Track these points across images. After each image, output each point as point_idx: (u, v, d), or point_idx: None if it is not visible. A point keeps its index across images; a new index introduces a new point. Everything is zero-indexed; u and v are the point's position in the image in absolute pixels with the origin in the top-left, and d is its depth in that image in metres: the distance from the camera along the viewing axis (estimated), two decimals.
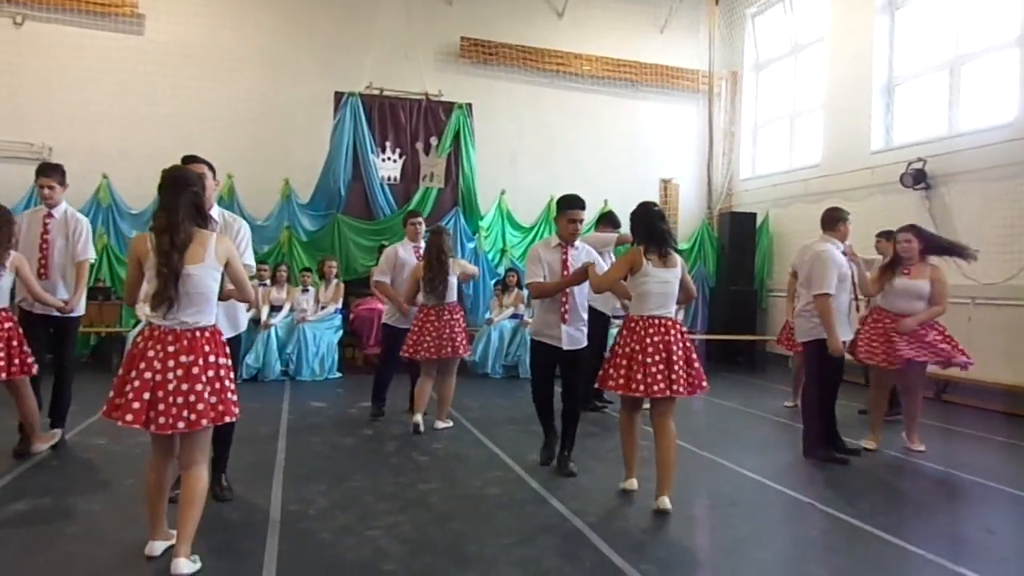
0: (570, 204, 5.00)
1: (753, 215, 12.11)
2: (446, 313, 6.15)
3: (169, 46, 10.43)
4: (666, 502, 4.20)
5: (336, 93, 10.36)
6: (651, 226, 4.43)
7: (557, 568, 3.41)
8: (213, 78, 10.58)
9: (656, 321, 4.31)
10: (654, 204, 4.67)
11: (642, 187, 12.44)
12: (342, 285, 9.41)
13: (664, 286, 4.34)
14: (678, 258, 4.47)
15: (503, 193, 11.33)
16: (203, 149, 10.77)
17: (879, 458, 5.82)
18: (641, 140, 12.60)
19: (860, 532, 4.03)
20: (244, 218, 10.45)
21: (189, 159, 4.04)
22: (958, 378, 8.23)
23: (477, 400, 7.61)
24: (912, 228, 6.19)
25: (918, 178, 8.94)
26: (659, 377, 4.18)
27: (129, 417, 3.08)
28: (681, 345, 4.30)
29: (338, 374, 8.95)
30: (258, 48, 10.88)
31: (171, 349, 3.20)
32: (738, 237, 11.88)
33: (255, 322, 8.74)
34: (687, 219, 12.82)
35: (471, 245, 10.67)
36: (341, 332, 9.26)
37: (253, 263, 4.20)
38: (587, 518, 4.07)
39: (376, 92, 10.72)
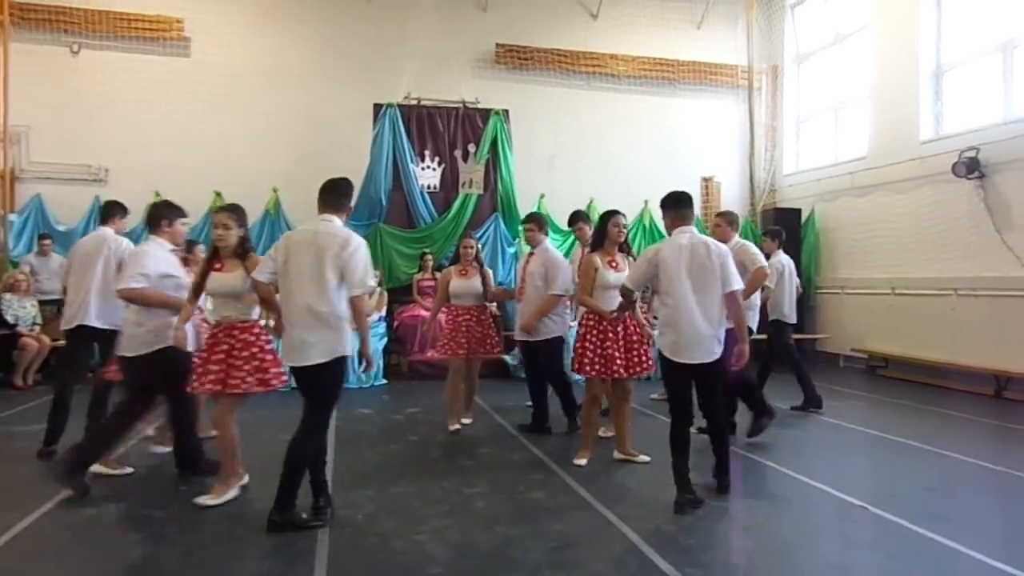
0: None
1: (798, 211, 11.89)
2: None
3: (214, 66, 10.75)
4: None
5: (375, 105, 10.53)
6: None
7: (602, 573, 3.42)
8: (256, 95, 10.87)
9: None
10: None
11: (682, 186, 11.97)
12: (385, 293, 9.55)
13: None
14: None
15: (542, 197, 11.35)
16: (248, 165, 11.25)
17: (934, 461, 5.66)
18: (680, 139, 12.49)
19: (910, 534, 3.94)
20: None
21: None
22: (1021, 374, 7.98)
23: (519, 403, 7.61)
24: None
25: (971, 167, 8.68)
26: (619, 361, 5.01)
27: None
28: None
29: (383, 381, 9.08)
30: (299, 64, 11.13)
31: None
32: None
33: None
34: None
35: (511, 250, 10.70)
36: (386, 339, 9.38)
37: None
38: (632, 522, 4.06)
39: (414, 102, 10.86)
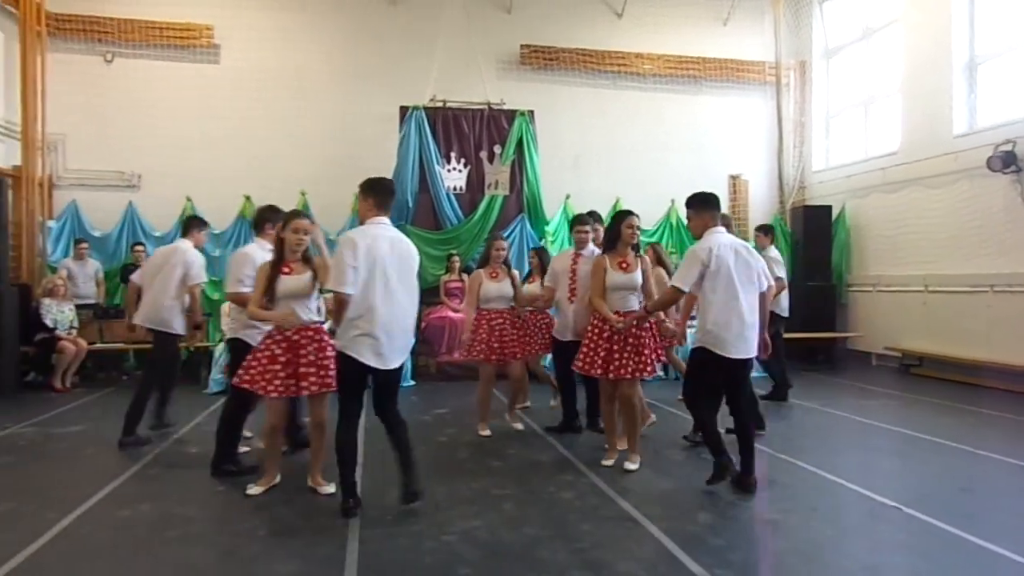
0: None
1: (828, 208, 11.74)
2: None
3: (243, 72, 10.93)
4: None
5: (401, 107, 10.61)
6: None
7: (631, 574, 3.41)
8: (284, 100, 11.02)
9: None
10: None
11: (709, 184, 11.95)
12: None
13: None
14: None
15: (568, 197, 11.34)
16: (277, 169, 11.40)
17: (969, 461, 5.56)
18: (707, 137, 12.40)
19: (945, 535, 3.88)
20: None
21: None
22: None
23: (544, 404, 7.61)
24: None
25: (1007, 161, 8.51)
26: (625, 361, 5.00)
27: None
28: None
29: (411, 382, 9.14)
30: (326, 69, 11.26)
31: None
32: (813, 231, 11.54)
33: (331, 333, 8.99)
34: (758, 215, 12.53)
35: None
36: (413, 341, 9.41)
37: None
38: (660, 523, 4.05)
39: (440, 104, 10.91)
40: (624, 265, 5.24)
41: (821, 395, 8.35)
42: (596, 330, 5.19)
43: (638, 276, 5.24)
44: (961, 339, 9.30)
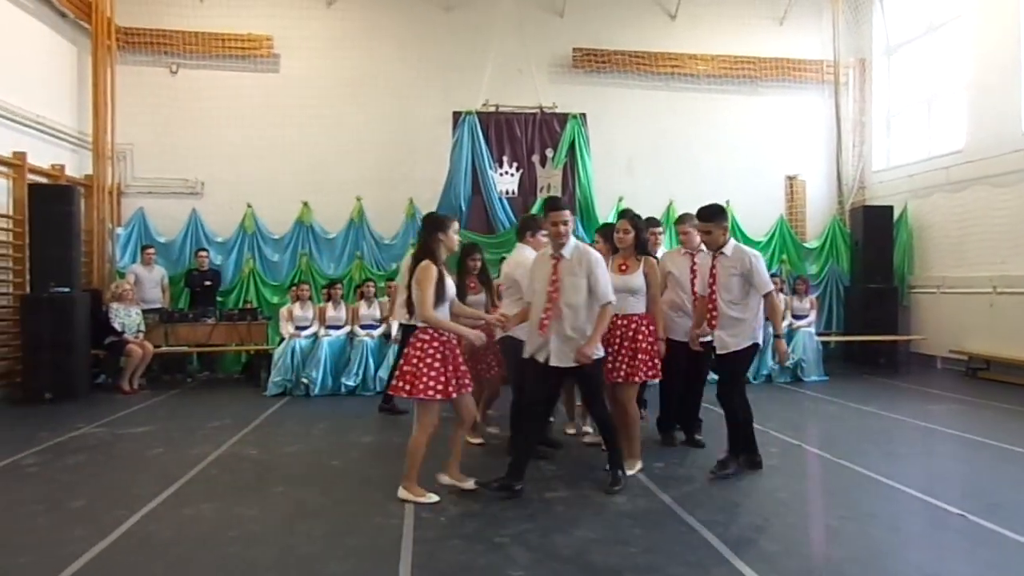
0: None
1: (889, 208, 11.40)
2: None
3: (301, 80, 11.22)
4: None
5: (454, 113, 10.73)
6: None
7: None
8: (341, 107, 11.26)
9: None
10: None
11: (766, 185, 12.11)
12: None
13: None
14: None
15: (621, 200, 11.29)
16: (334, 175, 11.66)
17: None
18: (763, 137, 12.20)
19: (1014, 545, 3.74)
20: (372, 237, 11.07)
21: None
22: None
23: None
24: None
25: None
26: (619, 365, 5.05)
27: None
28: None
29: None
30: (381, 76, 11.45)
31: None
32: (874, 232, 11.23)
33: (386, 337, 9.17)
34: (816, 216, 12.29)
35: None
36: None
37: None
38: (714, 528, 4.01)
39: (492, 109, 11.01)
40: (623, 267, 5.22)
41: (882, 399, 8.12)
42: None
43: (635, 279, 5.18)
44: None
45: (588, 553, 3.71)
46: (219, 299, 10.41)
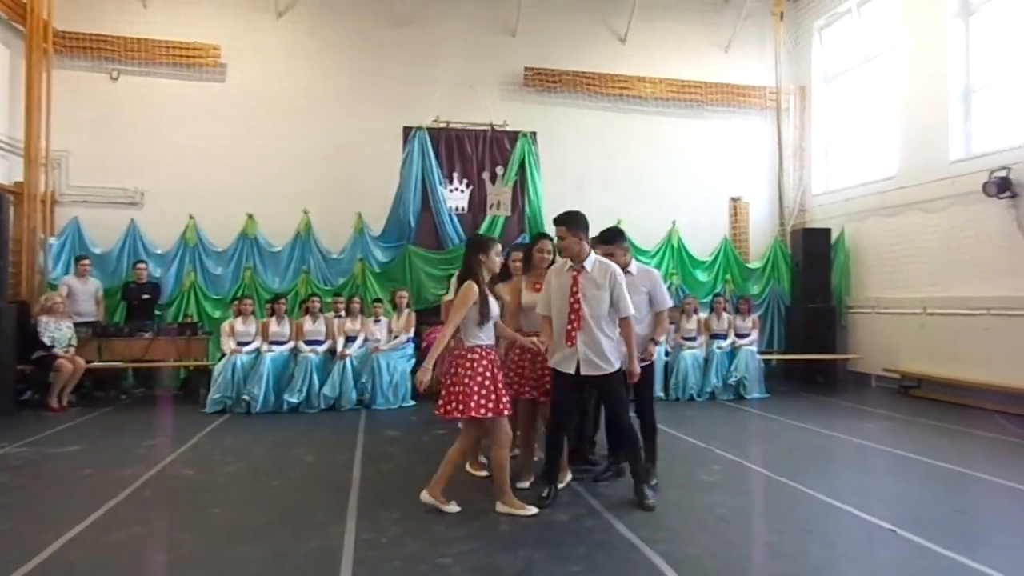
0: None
1: (828, 231, 11.79)
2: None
3: (249, 91, 11.06)
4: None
5: (404, 128, 10.71)
6: None
7: None
8: (289, 119, 11.13)
9: None
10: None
11: (711, 206, 12.39)
12: (413, 314, 9.62)
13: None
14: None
15: None
16: (280, 187, 11.48)
17: (966, 483, 5.55)
18: (708, 159, 12.50)
19: (939, 559, 3.86)
20: (319, 251, 10.92)
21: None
22: None
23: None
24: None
25: (1003, 187, 8.56)
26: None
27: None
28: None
29: (411, 402, 9.13)
30: (330, 89, 11.37)
31: None
32: (813, 254, 11.58)
33: (331, 353, 9.04)
34: (759, 237, 12.61)
35: None
36: (413, 361, 9.45)
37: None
38: (658, 547, 4.04)
39: (443, 125, 11.01)
40: (538, 287, 5.24)
41: (820, 416, 8.33)
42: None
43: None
44: (959, 361, 9.31)
45: (532, 572, 3.69)
46: (157, 313, 10.10)
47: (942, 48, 9.80)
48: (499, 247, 4.85)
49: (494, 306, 4.72)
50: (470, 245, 4.89)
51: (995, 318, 8.87)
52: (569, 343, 4.75)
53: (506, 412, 4.61)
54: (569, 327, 4.75)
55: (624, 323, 4.80)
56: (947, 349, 9.53)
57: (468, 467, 5.71)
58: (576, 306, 4.75)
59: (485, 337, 4.66)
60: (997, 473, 5.64)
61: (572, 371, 4.78)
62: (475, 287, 4.60)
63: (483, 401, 4.52)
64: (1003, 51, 9.21)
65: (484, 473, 5.70)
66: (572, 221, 4.82)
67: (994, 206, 8.75)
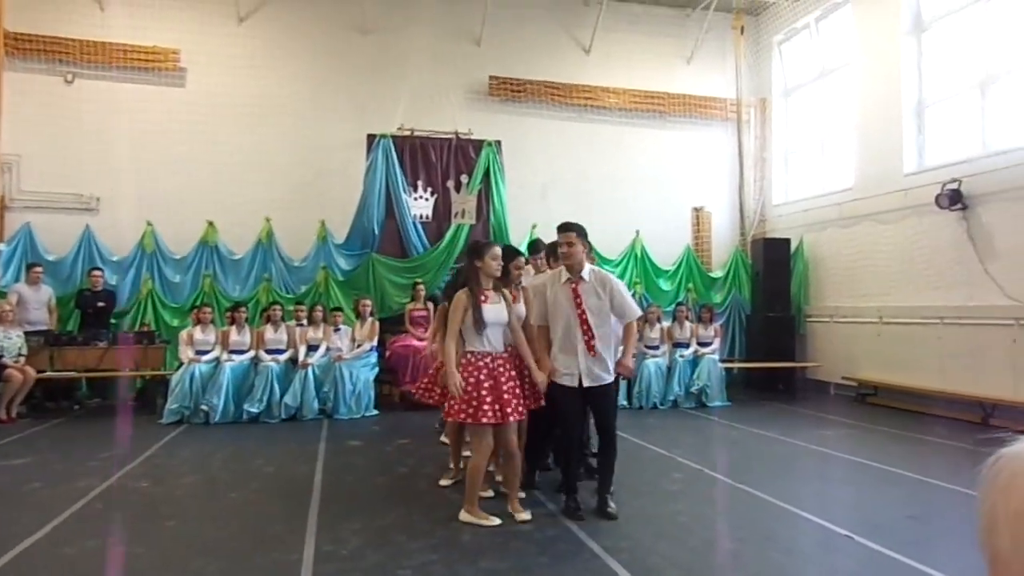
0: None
1: (787, 240, 12.00)
2: None
3: (209, 96, 10.86)
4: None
5: (369, 135, 10.64)
6: None
7: None
8: (251, 125, 10.97)
9: None
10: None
11: (674, 216, 12.53)
12: (377, 323, 9.55)
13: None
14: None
15: (534, 227, 11.40)
16: (241, 194, 11.32)
17: (919, 489, 5.67)
18: (671, 169, 12.64)
19: (893, 563, 3.94)
20: (281, 259, 10.77)
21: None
22: (1006, 401, 8.03)
23: None
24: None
25: (954, 199, 8.80)
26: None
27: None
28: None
29: (374, 411, 9.05)
30: (293, 95, 11.25)
31: None
32: (773, 263, 11.77)
33: (293, 362, 8.93)
34: (720, 246, 12.78)
35: None
36: (377, 369, 9.38)
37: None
38: (621, 556, 4.05)
39: (407, 133, 10.97)
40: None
41: (780, 424, 8.45)
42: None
43: (520, 309, 5.22)
44: (913, 369, 9.53)
45: None
46: (113, 321, 9.86)
47: (896, 64, 10.06)
48: (496, 250, 4.79)
49: (490, 312, 4.65)
50: (467, 252, 4.98)
51: (947, 327, 9.10)
52: (592, 353, 4.77)
53: (484, 420, 4.54)
54: (586, 338, 4.77)
55: (629, 325, 4.90)
56: (902, 357, 9.75)
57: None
58: (584, 316, 4.79)
59: (480, 344, 4.65)
60: (947, 479, 5.77)
61: (576, 384, 4.79)
62: (463, 296, 4.63)
63: (464, 406, 4.55)
64: (954, 68, 9.49)
65: (447, 482, 5.67)
66: (581, 230, 4.90)
67: (946, 218, 9.00)
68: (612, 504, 4.87)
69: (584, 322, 4.78)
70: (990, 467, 0.80)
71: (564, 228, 4.93)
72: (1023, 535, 0.75)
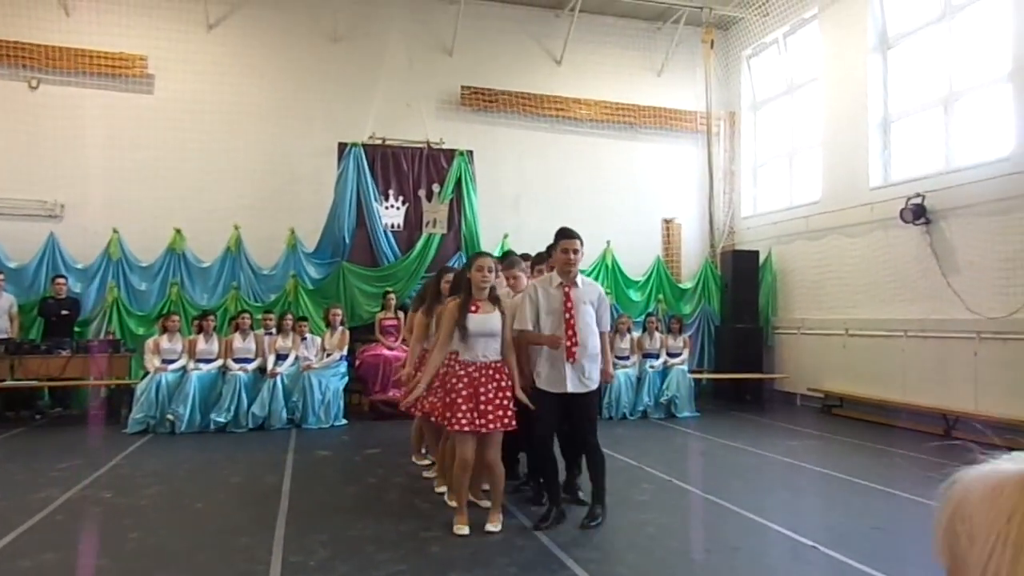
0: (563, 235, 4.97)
1: (756, 253, 12.17)
2: None
3: (177, 103, 10.74)
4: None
5: (340, 144, 10.60)
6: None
7: None
8: (220, 132, 10.85)
9: None
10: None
11: (644, 227, 12.63)
12: (347, 332, 9.48)
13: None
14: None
15: (506, 236, 11.45)
16: (210, 202, 11.20)
17: (883, 500, 5.77)
18: (642, 181, 12.76)
19: (857, 574, 4.00)
20: (250, 267, 10.65)
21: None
22: (968, 414, 8.19)
23: None
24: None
25: (918, 213, 8.99)
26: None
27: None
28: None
29: (343, 421, 8.97)
30: (263, 103, 11.17)
31: None
32: (741, 275, 11.93)
33: (261, 371, 8.83)
34: (690, 258, 12.91)
35: None
36: (346, 379, 9.31)
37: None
38: (591, 567, 4.06)
39: (379, 142, 10.95)
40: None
41: (748, 435, 8.54)
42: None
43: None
44: (878, 381, 9.70)
45: None
46: (77, 330, 9.67)
47: (862, 80, 10.29)
48: (482, 261, 4.76)
49: (475, 322, 4.60)
50: (467, 263, 5.13)
51: (911, 340, 9.29)
52: (571, 359, 4.73)
53: (457, 428, 4.49)
54: (568, 344, 4.75)
55: (603, 335, 5.01)
56: (868, 369, 9.92)
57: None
58: (572, 322, 4.78)
59: (464, 352, 4.66)
60: (910, 490, 5.86)
61: (563, 391, 4.76)
62: (450, 305, 4.78)
63: (442, 408, 4.69)
64: (918, 85, 9.73)
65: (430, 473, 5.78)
66: (580, 238, 4.98)
67: (910, 231, 9.19)
68: (599, 514, 4.85)
69: (571, 327, 4.80)
70: (947, 487, 0.82)
71: (570, 235, 4.91)
72: (956, 543, 0.78)
